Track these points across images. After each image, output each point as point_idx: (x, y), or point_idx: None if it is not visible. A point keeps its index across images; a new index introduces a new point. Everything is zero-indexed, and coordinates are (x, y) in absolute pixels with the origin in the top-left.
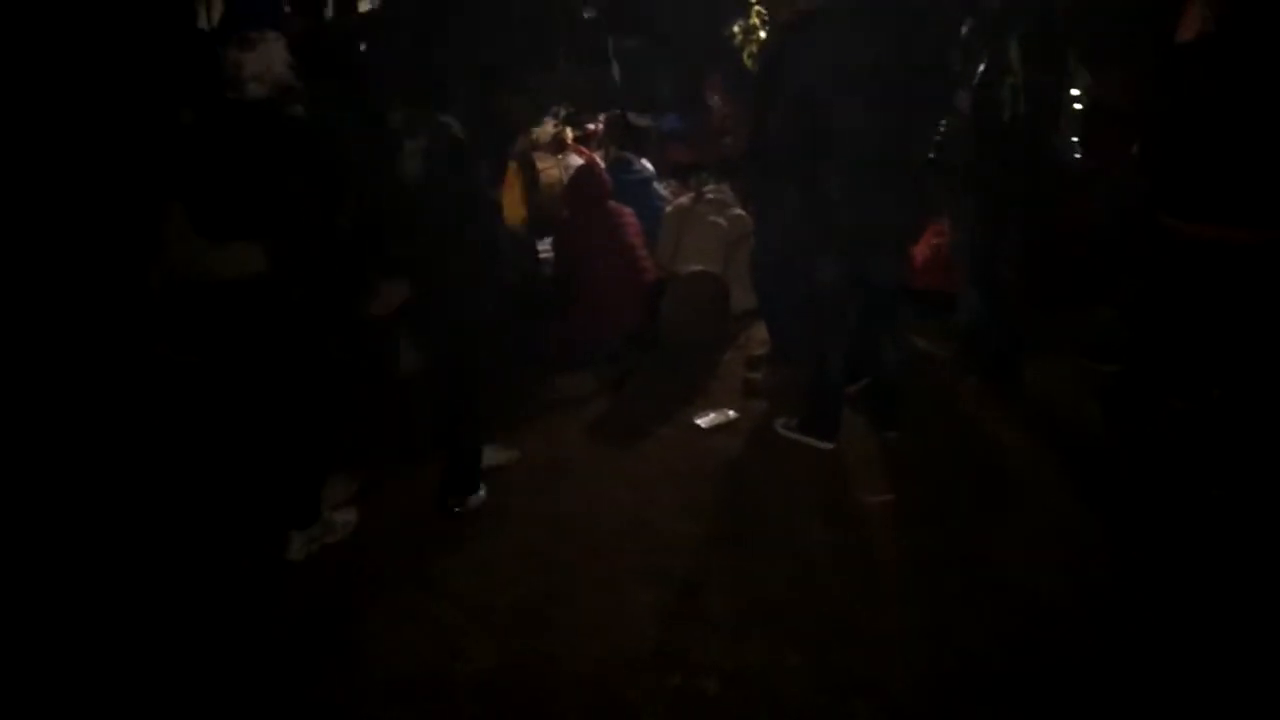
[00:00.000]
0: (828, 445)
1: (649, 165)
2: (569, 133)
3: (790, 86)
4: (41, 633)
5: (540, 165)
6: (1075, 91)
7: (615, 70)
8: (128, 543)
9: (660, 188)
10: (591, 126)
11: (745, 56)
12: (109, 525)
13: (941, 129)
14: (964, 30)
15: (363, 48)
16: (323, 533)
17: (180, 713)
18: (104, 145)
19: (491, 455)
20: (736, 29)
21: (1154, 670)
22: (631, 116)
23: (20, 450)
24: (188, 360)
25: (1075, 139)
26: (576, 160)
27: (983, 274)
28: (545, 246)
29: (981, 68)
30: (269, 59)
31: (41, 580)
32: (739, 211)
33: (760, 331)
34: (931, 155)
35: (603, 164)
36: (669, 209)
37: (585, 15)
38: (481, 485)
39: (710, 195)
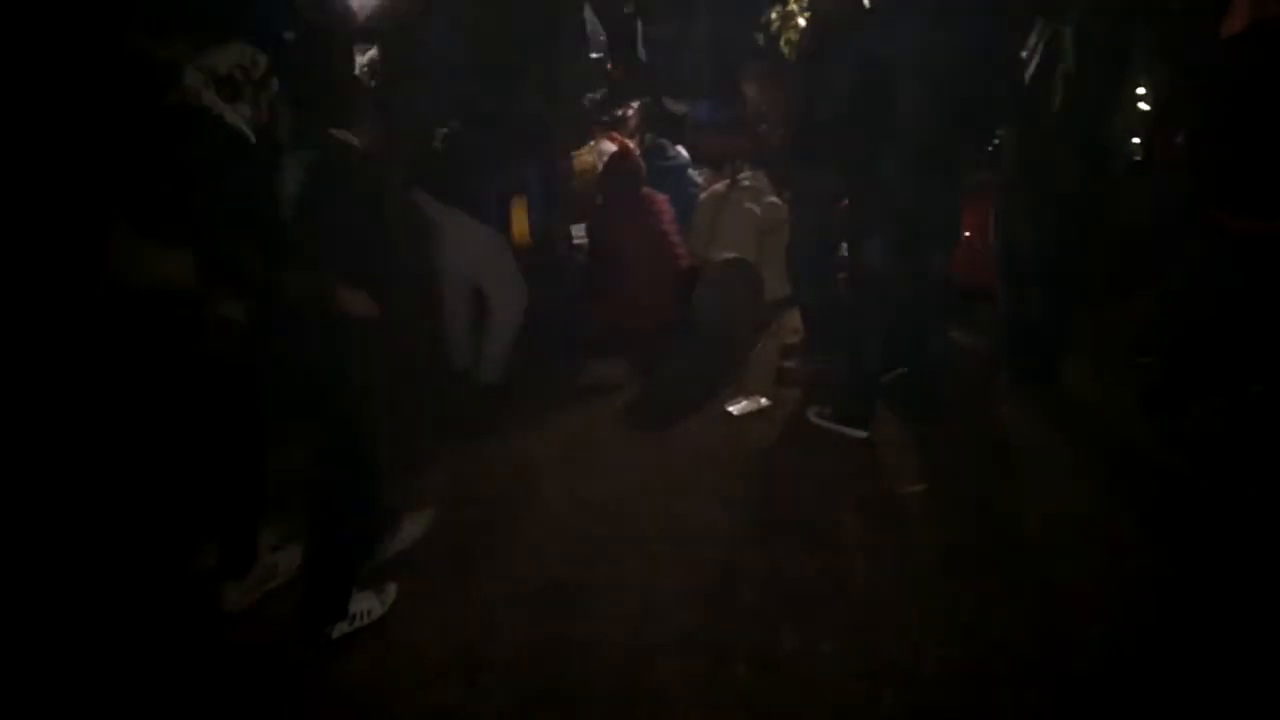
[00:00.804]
0: (861, 434)
1: (684, 152)
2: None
3: (844, 73)
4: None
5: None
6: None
7: (641, 53)
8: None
9: (695, 175)
10: (622, 112)
11: (782, 44)
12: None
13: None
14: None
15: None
16: (261, 580)
17: (214, 690)
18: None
19: (411, 530)
20: (774, 15)
21: (1189, 667)
22: (666, 103)
23: None
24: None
25: (1135, 138)
26: (610, 146)
27: (1018, 268)
28: (579, 232)
29: (1037, 55)
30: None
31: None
32: (774, 199)
33: (794, 320)
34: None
35: (637, 150)
36: (703, 196)
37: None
38: (351, 607)
39: (745, 183)
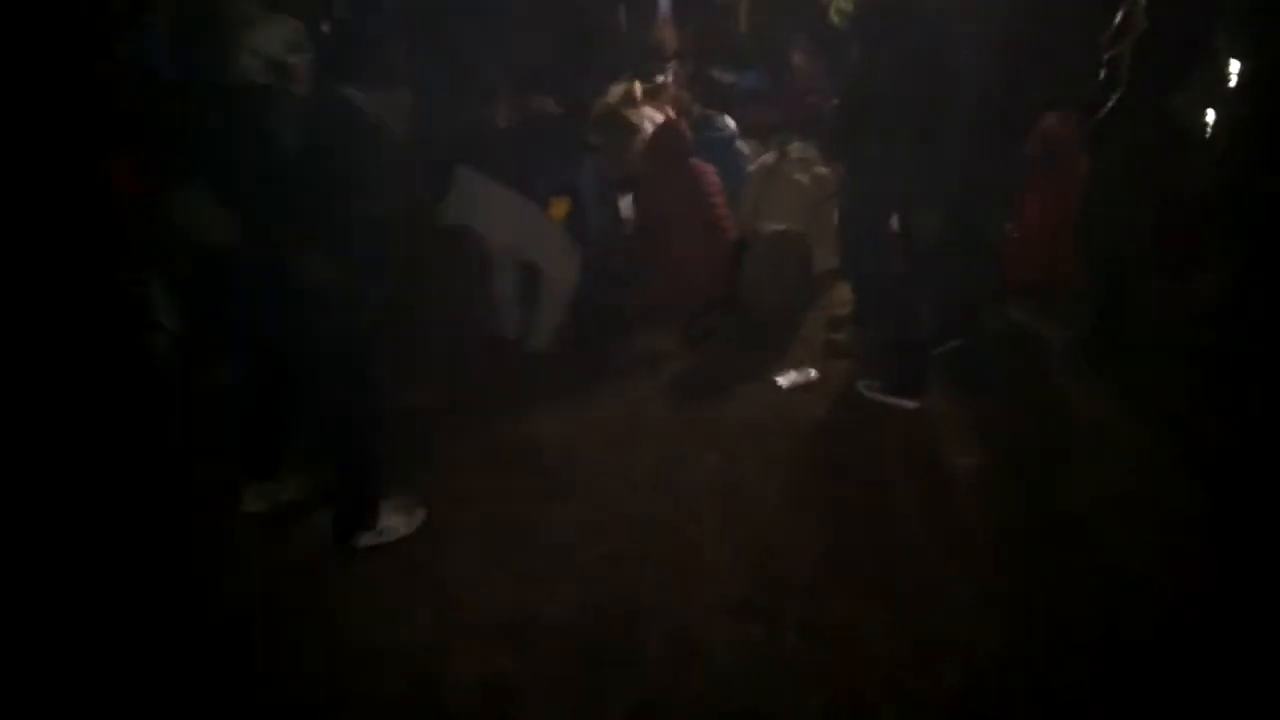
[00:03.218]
0: (912, 405)
1: (732, 123)
2: (638, 88)
3: (897, 41)
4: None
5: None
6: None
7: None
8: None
9: (743, 146)
10: (661, 79)
11: (832, 13)
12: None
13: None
14: None
15: None
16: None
17: (274, 656)
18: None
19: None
20: None
21: (1240, 643)
22: (715, 73)
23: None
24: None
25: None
26: (656, 116)
27: (1099, 242)
28: (626, 204)
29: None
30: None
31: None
32: (823, 170)
33: (843, 291)
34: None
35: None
36: (752, 167)
37: None
38: (379, 521)
39: (794, 154)
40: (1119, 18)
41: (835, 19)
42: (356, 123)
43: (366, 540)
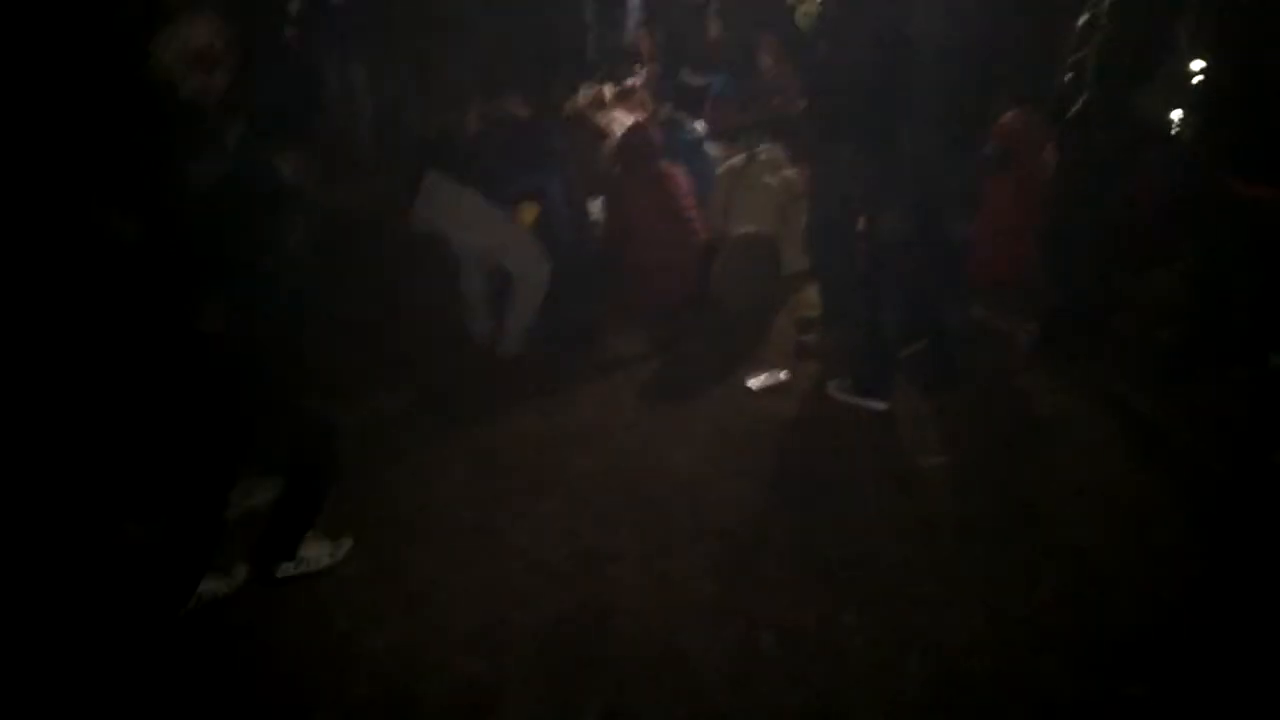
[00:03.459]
0: (881, 406)
1: (700, 126)
2: (607, 91)
3: (861, 42)
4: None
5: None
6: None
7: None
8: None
9: (711, 149)
10: (630, 82)
11: (798, 16)
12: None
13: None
14: None
15: None
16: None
17: (244, 661)
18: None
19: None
20: None
21: (1209, 636)
22: (684, 76)
23: None
24: None
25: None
26: (625, 119)
27: (1063, 241)
28: (596, 207)
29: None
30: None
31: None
32: (791, 172)
33: (812, 293)
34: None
35: (652, 123)
36: (720, 170)
37: None
38: (301, 551)
39: (762, 156)
40: (1083, 18)
41: (801, 22)
42: (274, 185)
43: (285, 571)
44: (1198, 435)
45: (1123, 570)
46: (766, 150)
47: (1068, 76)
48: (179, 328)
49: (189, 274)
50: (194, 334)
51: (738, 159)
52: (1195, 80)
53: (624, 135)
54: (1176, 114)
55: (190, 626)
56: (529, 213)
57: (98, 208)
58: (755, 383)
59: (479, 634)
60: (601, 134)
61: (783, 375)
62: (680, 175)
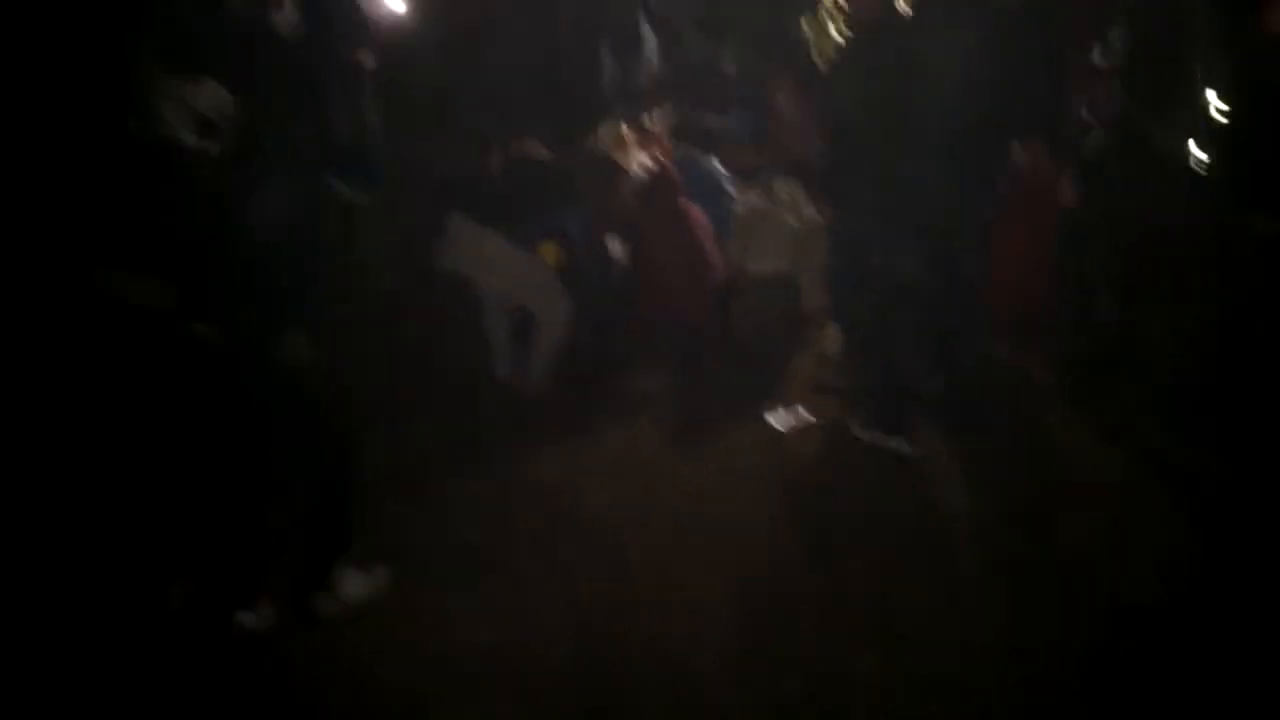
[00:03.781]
0: (902, 444)
1: (719, 164)
2: (627, 130)
3: (876, 81)
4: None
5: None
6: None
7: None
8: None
9: (730, 187)
10: (649, 121)
11: (815, 54)
12: None
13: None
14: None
15: None
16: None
17: (262, 693)
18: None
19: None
20: (805, 24)
21: (1240, 686)
22: (702, 114)
23: None
24: None
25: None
26: (644, 158)
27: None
28: (616, 246)
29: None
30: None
31: None
32: (810, 210)
33: (833, 331)
34: None
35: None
36: (739, 208)
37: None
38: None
39: (780, 194)
40: (1097, 53)
41: (818, 61)
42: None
43: (326, 605)
44: (1225, 476)
45: (1154, 613)
46: (785, 188)
47: (1084, 111)
48: (262, 372)
49: (259, 321)
50: (282, 370)
51: (756, 197)
52: (1213, 114)
53: (643, 174)
54: (1195, 148)
55: (218, 657)
56: (550, 252)
57: (106, 276)
58: (776, 421)
59: (498, 672)
60: (622, 173)
61: (803, 413)
62: (698, 214)
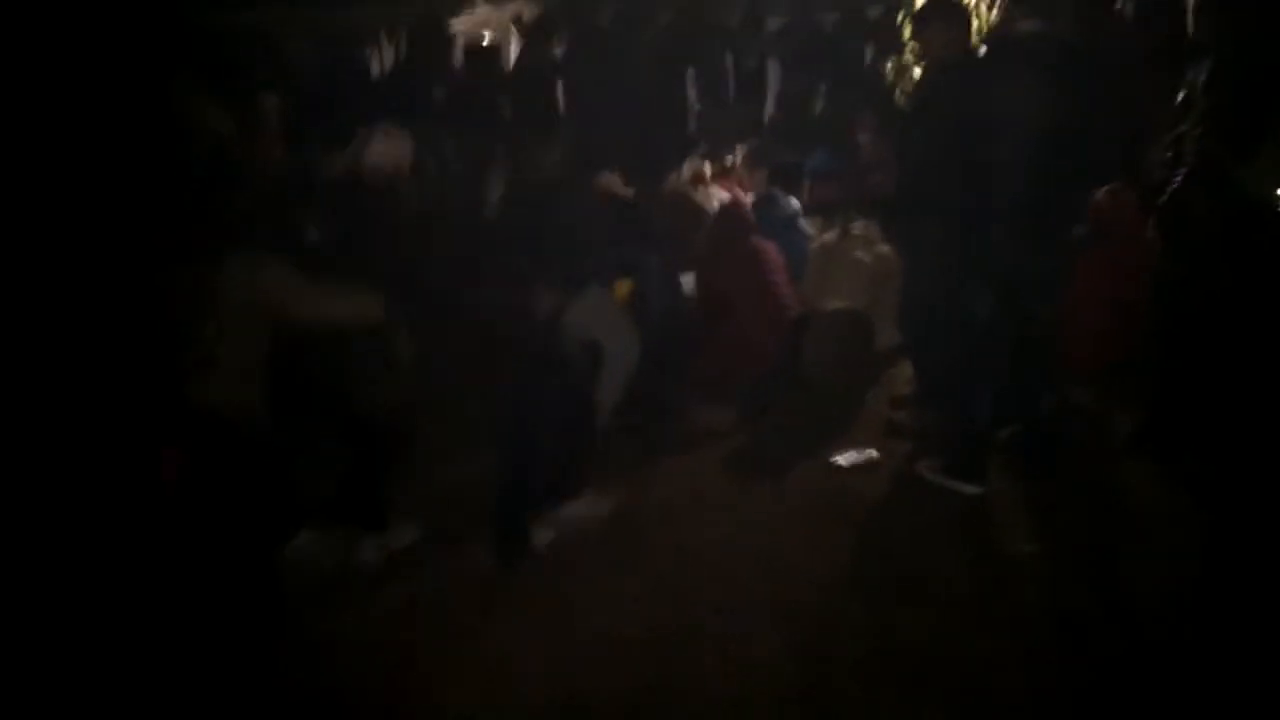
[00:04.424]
0: (974, 490)
1: (795, 202)
2: (707, 168)
3: (951, 123)
4: None
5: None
6: None
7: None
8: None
9: (806, 225)
10: (730, 159)
11: (897, 94)
12: None
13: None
14: None
15: None
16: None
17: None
18: None
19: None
20: (889, 66)
21: None
22: (782, 151)
23: None
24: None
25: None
26: (723, 195)
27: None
28: (688, 281)
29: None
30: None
31: None
32: (885, 249)
33: (905, 370)
34: None
35: (749, 199)
36: (815, 245)
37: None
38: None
39: (857, 232)
40: (1181, 95)
41: (900, 99)
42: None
43: (542, 538)
44: None
45: (1224, 671)
46: (861, 226)
47: (1167, 154)
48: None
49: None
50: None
51: (832, 235)
52: None
53: (718, 212)
54: None
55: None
56: (623, 288)
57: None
58: (844, 460)
59: (550, 707)
60: (699, 211)
61: (873, 453)
62: (772, 251)
